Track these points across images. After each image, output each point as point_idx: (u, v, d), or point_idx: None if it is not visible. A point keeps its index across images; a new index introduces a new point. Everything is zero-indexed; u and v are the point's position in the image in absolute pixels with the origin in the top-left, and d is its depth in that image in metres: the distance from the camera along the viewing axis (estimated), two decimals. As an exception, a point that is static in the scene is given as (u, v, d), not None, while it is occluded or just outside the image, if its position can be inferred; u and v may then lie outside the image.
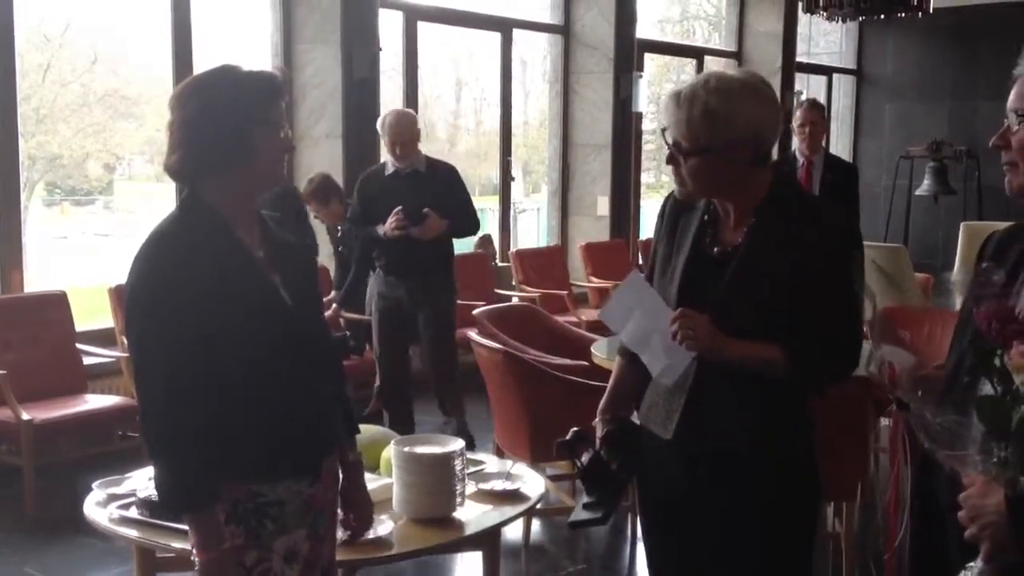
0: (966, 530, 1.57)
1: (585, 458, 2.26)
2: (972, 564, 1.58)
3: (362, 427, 2.66)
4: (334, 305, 5.81)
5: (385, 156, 5.41)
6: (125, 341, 5.26)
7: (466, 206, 5.28)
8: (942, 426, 1.53)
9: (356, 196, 5.36)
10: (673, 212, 2.28)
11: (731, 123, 2.05)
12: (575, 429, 2.30)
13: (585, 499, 2.27)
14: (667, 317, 2.10)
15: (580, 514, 2.25)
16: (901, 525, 1.79)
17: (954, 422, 1.53)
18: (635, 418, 2.32)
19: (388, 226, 5.02)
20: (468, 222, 5.34)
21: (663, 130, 2.16)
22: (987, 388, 1.54)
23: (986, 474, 1.53)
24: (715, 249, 2.17)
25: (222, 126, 2.00)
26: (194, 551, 2.01)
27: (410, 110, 5.71)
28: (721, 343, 2.07)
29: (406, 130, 5.15)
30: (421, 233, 5.01)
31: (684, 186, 2.14)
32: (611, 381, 2.39)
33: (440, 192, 5.13)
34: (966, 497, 1.57)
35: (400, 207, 4.99)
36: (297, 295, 2.12)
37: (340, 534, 2.34)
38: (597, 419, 2.33)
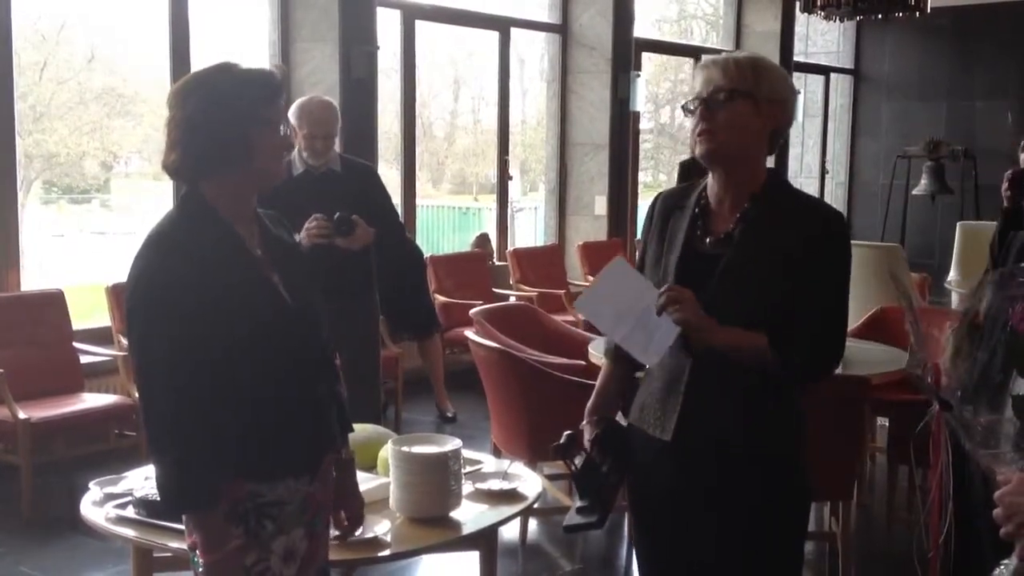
0: (1000, 528, 1.56)
1: (578, 461, 2.25)
2: (1007, 561, 1.58)
3: (357, 426, 2.66)
4: None
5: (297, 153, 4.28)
6: (122, 340, 5.26)
7: (391, 215, 4.46)
8: (982, 425, 1.53)
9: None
10: (663, 211, 2.28)
11: (774, 77, 2.13)
12: (568, 432, 2.29)
13: (579, 503, 2.25)
14: (652, 295, 2.07)
15: (574, 518, 2.23)
16: (944, 524, 1.80)
17: (991, 420, 1.53)
18: (620, 419, 2.31)
19: (307, 234, 3.98)
20: (395, 234, 4.42)
21: (685, 106, 2.13)
22: (1020, 386, 1.55)
23: (1022, 471, 1.52)
24: (707, 240, 2.17)
25: (221, 124, 1.99)
26: (198, 553, 2.01)
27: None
28: (707, 323, 2.05)
29: (331, 122, 4.26)
30: (350, 243, 4.04)
31: (711, 141, 2.10)
32: (598, 383, 2.39)
33: (359, 196, 4.21)
34: (1002, 495, 1.56)
35: (321, 213, 4.03)
36: (296, 293, 2.12)
37: (332, 533, 2.34)
38: (584, 422, 2.32)
